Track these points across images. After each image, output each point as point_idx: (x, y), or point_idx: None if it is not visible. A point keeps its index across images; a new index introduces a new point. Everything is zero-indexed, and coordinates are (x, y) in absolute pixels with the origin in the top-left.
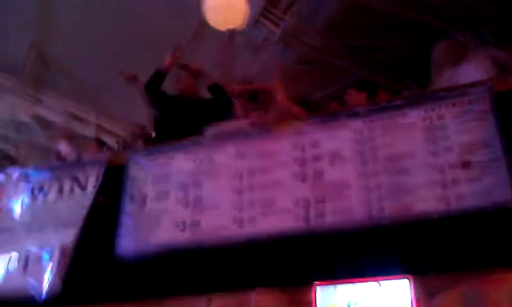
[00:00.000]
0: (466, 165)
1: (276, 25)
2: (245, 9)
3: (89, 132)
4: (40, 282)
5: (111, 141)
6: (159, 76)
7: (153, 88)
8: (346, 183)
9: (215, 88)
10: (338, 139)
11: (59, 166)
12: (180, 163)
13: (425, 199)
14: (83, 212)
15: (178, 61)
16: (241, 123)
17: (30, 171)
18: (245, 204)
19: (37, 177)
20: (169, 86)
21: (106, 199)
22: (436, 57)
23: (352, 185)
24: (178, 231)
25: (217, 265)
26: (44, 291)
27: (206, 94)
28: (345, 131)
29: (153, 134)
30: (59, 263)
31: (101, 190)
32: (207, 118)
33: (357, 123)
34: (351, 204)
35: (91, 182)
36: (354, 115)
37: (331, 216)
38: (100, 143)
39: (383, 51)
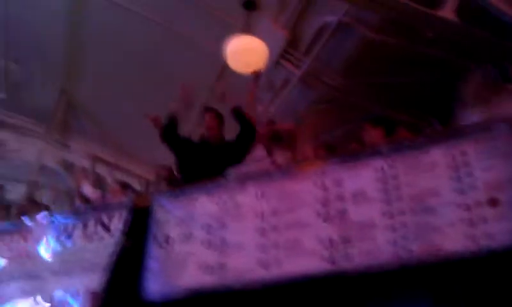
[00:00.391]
0: (493, 202)
1: (296, 66)
2: (265, 53)
3: (115, 175)
4: None
5: (135, 184)
6: (171, 122)
7: (168, 135)
8: (371, 223)
9: (238, 112)
10: (361, 179)
11: (86, 210)
12: (205, 205)
13: (453, 238)
14: (110, 256)
15: (187, 102)
16: (264, 164)
17: (57, 216)
18: (270, 245)
19: (64, 222)
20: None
21: (132, 242)
22: (465, 95)
23: (377, 225)
24: (204, 274)
25: None
26: None
27: (228, 135)
28: (367, 170)
29: (178, 176)
30: None
31: (127, 233)
32: (230, 160)
33: (379, 162)
34: (378, 244)
35: (117, 225)
36: (376, 154)
37: (358, 257)
38: (125, 186)
39: (403, 88)
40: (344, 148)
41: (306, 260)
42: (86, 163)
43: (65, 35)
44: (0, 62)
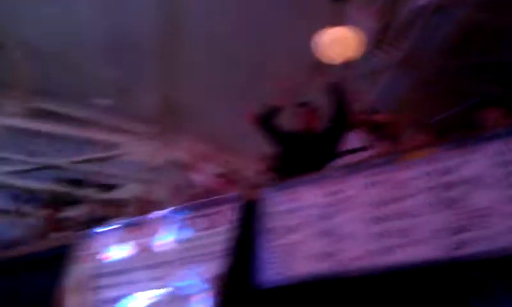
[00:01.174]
0: None
1: (392, 51)
2: (359, 41)
3: (222, 169)
4: None
5: (243, 178)
6: (271, 111)
7: (266, 123)
8: (489, 210)
9: (335, 90)
10: (477, 164)
11: (197, 204)
12: (312, 196)
13: None
14: (222, 247)
15: (291, 97)
16: (369, 154)
17: (171, 211)
18: (381, 234)
19: (177, 216)
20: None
21: (243, 233)
22: None
23: (496, 212)
24: (314, 262)
25: (354, 297)
26: None
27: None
28: (484, 155)
29: (280, 169)
30: (203, 297)
31: (237, 225)
32: (329, 150)
33: (497, 145)
34: (495, 231)
35: (228, 218)
36: (494, 137)
37: (474, 245)
38: (233, 180)
39: (504, 67)
40: (453, 133)
41: (419, 249)
42: (193, 159)
43: (164, 39)
44: (106, 71)
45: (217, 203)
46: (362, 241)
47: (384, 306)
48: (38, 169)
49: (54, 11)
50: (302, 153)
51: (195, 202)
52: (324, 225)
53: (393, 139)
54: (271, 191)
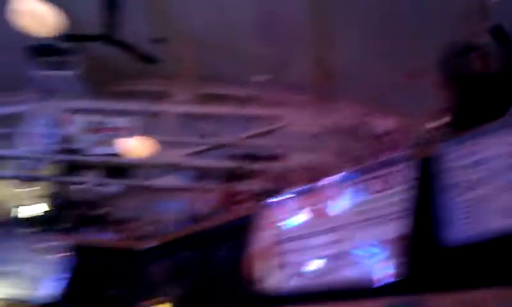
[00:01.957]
0: None
1: None
2: None
3: (386, 130)
4: (374, 274)
5: (410, 136)
6: (462, 51)
7: (451, 65)
8: None
9: (500, 32)
10: None
11: (368, 167)
12: (496, 146)
13: None
14: (399, 208)
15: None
16: None
17: (342, 175)
18: None
19: (349, 180)
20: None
21: (421, 192)
22: None
23: None
24: (506, 217)
25: None
26: (379, 283)
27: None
28: None
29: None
30: (382, 259)
31: (414, 184)
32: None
33: None
34: None
35: (402, 178)
36: None
37: None
38: (398, 140)
39: None
40: None
41: None
42: (356, 121)
43: (314, 5)
44: (261, 49)
45: (388, 163)
46: None
47: None
48: (211, 148)
49: (211, 3)
50: (483, 98)
51: (365, 165)
52: None
53: None
54: (449, 146)
